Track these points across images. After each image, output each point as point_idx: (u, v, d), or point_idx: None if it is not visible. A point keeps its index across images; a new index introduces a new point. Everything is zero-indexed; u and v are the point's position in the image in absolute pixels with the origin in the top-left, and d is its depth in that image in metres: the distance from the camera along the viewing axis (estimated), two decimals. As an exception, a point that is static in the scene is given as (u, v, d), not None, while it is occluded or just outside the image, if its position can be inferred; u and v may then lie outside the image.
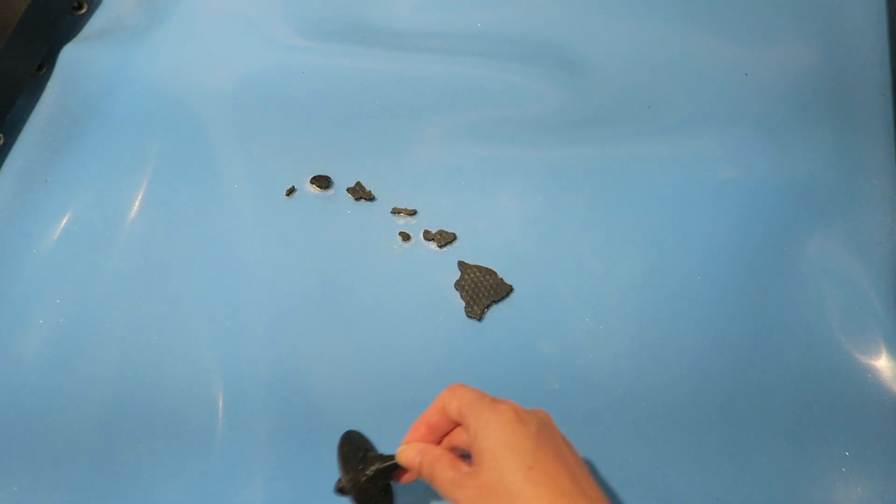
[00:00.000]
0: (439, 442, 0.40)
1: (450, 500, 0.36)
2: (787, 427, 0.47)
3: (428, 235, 0.53)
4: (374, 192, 0.55)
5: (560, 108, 0.58)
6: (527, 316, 0.51)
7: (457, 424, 0.39)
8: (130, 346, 0.50)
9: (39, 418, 0.48)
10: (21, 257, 0.53)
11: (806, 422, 0.47)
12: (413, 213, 0.54)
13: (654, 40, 0.61)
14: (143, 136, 0.57)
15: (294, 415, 0.48)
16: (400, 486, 0.41)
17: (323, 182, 0.55)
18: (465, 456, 0.38)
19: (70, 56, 0.61)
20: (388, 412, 0.48)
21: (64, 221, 0.54)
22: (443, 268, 0.52)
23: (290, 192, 0.55)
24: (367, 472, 0.39)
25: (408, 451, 0.39)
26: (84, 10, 0.64)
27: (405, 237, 0.53)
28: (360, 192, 0.55)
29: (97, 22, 0.64)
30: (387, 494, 0.41)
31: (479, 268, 0.52)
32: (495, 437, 0.35)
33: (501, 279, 0.52)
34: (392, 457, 0.40)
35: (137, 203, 0.55)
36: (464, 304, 0.51)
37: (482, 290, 0.51)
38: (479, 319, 0.51)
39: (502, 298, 0.51)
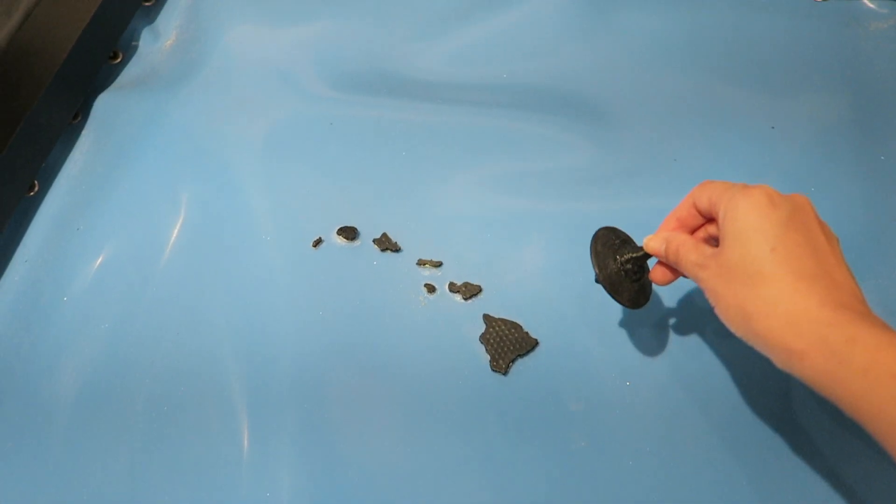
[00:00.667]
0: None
1: (695, 281, 0.38)
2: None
3: (453, 287, 0.53)
4: (399, 244, 0.55)
5: (586, 161, 0.58)
6: (553, 371, 0.50)
7: (706, 221, 0.40)
8: (158, 396, 0.50)
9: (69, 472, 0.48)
10: (52, 305, 0.54)
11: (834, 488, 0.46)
12: (439, 264, 0.54)
13: (680, 93, 0.62)
14: (175, 184, 0.58)
15: (318, 468, 0.48)
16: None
17: (349, 233, 0.55)
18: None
19: (104, 105, 0.62)
20: (413, 467, 0.48)
21: (94, 269, 0.55)
22: (467, 320, 0.52)
23: (317, 242, 0.55)
24: (617, 262, 0.43)
25: (654, 239, 0.41)
26: (119, 60, 0.65)
27: (430, 289, 0.53)
28: (385, 244, 0.55)
29: (132, 71, 0.65)
30: (642, 288, 0.44)
31: (504, 321, 0.52)
32: (743, 218, 0.35)
33: (527, 333, 0.51)
34: (642, 247, 0.42)
35: (168, 251, 0.56)
36: (489, 357, 0.51)
37: (507, 344, 0.51)
38: (505, 373, 0.50)
39: (528, 352, 0.51)
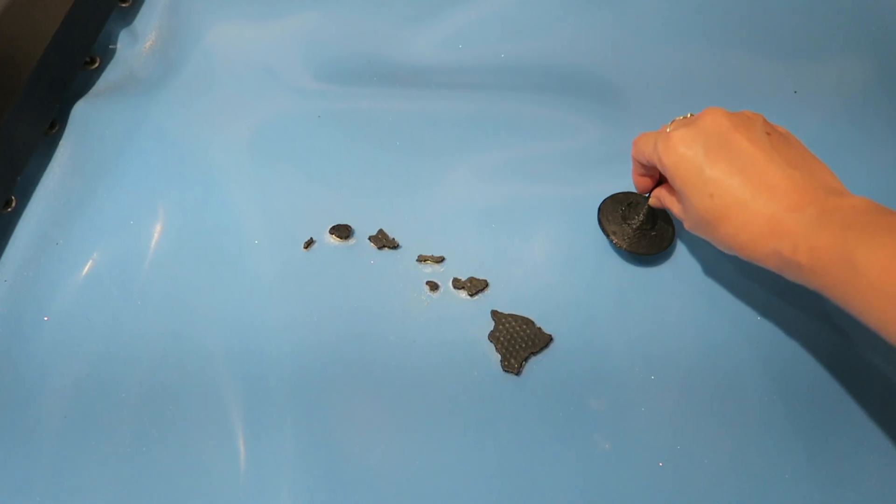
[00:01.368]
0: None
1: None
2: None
3: (457, 284, 0.50)
4: (397, 240, 0.51)
5: (596, 141, 0.54)
6: (570, 368, 0.47)
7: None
8: (146, 417, 0.47)
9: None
10: (33, 326, 0.51)
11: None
12: (440, 260, 0.51)
13: (695, 63, 0.58)
14: (158, 192, 0.55)
15: (319, 482, 0.44)
16: None
17: (343, 232, 0.51)
18: None
19: (82, 113, 0.59)
20: (421, 478, 0.44)
21: (77, 285, 0.52)
22: (475, 318, 0.49)
23: (309, 244, 0.52)
24: (629, 224, 0.48)
25: (651, 200, 0.46)
26: (97, 65, 0.62)
27: (433, 287, 0.50)
28: (382, 241, 0.51)
29: (110, 76, 0.62)
30: (660, 234, 0.48)
31: (515, 317, 0.48)
32: (674, 176, 0.39)
33: (539, 328, 0.48)
34: (647, 199, 0.47)
35: (152, 263, 0.52)
36: (499, 357, 0.47)
37: (519, 342, 0.47)
38: (517, 374, 0.46)
39: (541, 350, 0.47)
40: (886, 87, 0.57)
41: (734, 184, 0.36)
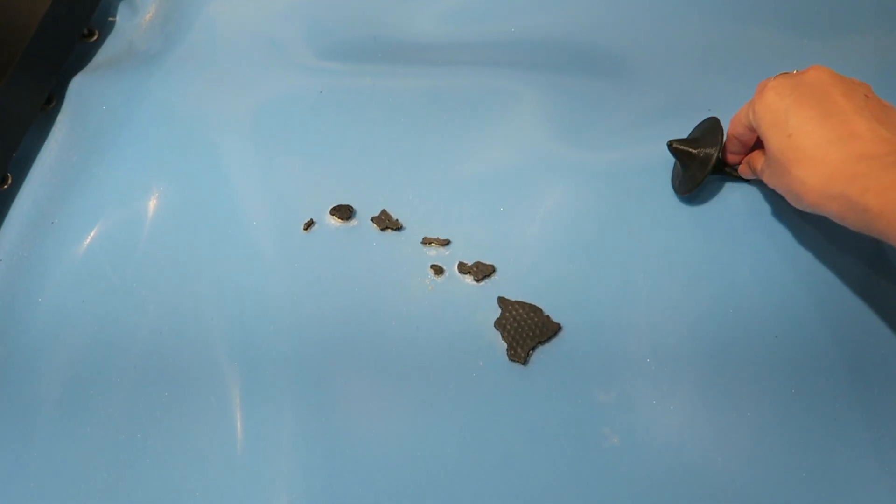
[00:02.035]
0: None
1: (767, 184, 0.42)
2: None
3: (463, 268, 0.48)
4: (401, 221, 0.50)
5: (608, 120, 0.52)
6: (578, 358, 0.45)
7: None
8: (141, 399, 0.46)
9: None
10: (28, 305, 0.50)
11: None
12: (446, 243, 0.49)
13: (713, 38, 0.55)
14: (155, 169, 0.53)
15: (315, 463, 0.43)
16: None
17: (344, 212, 0.50)
18: None
19: (80, 87, 0.57)
20: (424, 469, 0.43)
21: (72, 265, 0.50)
22: (481, 305, 0.47)
23: (308, 225, 0.50)
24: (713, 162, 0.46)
25: (741, 168, 0.47)
26: (95, 38, 0.60)
27: (437, 271, 0.48)
28: (385, 222, 0.49)
29: (109, 49, 0.60)
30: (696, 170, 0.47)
31: (522, 304, 0.46)
32: (761, 121, 0.40)
33: (548, 316, 0.46)
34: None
35: (149, 242, 0.51)
36: (505, 345, 0.45)
37: (526, 330, 0.45)
38: (524, 363, 0.45)
39: (549, 339, 0.45)
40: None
41: (815, 126, 0.37)
